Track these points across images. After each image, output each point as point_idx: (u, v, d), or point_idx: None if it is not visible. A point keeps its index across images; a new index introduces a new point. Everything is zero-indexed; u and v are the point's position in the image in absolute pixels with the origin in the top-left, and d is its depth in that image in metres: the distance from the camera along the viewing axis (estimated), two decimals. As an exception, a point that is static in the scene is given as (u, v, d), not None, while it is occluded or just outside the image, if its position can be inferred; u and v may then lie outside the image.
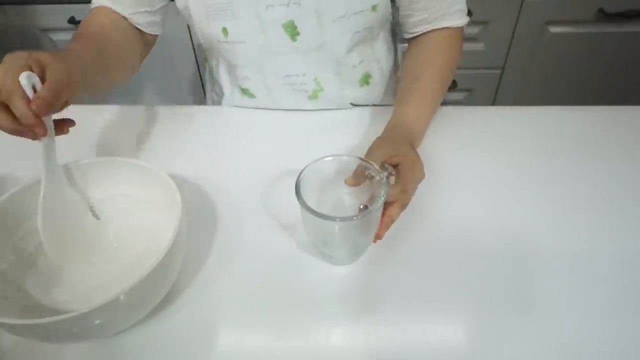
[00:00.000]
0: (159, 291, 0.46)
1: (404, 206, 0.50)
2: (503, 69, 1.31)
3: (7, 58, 0.45)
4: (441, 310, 0.48)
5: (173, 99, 1.43)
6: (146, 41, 0.71)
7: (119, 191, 0.55)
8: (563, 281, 0.50)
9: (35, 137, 0.46)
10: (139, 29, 0.68)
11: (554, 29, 1.22)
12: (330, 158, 0.51)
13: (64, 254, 0.52)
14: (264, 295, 0.50)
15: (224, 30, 0.65)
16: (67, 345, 0.46)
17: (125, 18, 0.66)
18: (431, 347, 0.45)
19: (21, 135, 0.45)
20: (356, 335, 0.46)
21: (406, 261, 0.52)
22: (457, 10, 0.66)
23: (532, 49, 1.25)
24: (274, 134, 0.71)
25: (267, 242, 0.55)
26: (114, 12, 0.65)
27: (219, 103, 0.81)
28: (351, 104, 0.75)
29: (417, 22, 0.67)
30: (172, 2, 0.68)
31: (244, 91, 0.74)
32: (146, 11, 0.66)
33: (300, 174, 0.48)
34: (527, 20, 1.19)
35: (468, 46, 1.25)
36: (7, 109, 0.44)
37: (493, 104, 1.39)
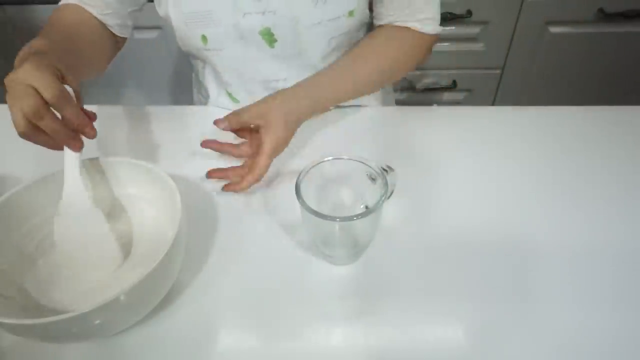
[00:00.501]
0: (159, 291, 0.46)
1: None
2: (503, 69, 1.31)
3: (36, 59, 0.45)
4: (441, 310, 0.48)
5: (175, 99, 1.43)
6: (116, 42, 0.70)
7: (119, 191, 0.55)
8: (563, 280, 0.50)
9: (79, 147, 0.48)
10: (109, 30, 0.68)
11: (554, 29, 1.21)
12: (330, 159, 0.51)
13: (65, 254, 0.52)
14: (264, 295, 0.50)
15: (203, 37, 0.65)
16: (67, 345, 0.46)
17: (95, 17, 0.65)
18: (431, 347, 0.45)
19: (64, 143, 0.47)
20: (356, 335, 0.46)
21: (406, 261, 0.52)
22: (424, 18, 0.65)
23: (532, 49, 1.25)
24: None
25: (267, 242, 0.55)
26: (85, 10, 0.65)
27: (205, 105, 0.81)
28: None
29: (383, 23, 0.68)
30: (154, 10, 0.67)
31: (229, 95, 0.75)
32: (115, 13, 0.66)
33: (300, 174, 0.48)
34: (527, 20, 1.19)
35: (468, 46, 1.24)
36: (52, 113, 0.44)
37: (493, 104, 1.39)
